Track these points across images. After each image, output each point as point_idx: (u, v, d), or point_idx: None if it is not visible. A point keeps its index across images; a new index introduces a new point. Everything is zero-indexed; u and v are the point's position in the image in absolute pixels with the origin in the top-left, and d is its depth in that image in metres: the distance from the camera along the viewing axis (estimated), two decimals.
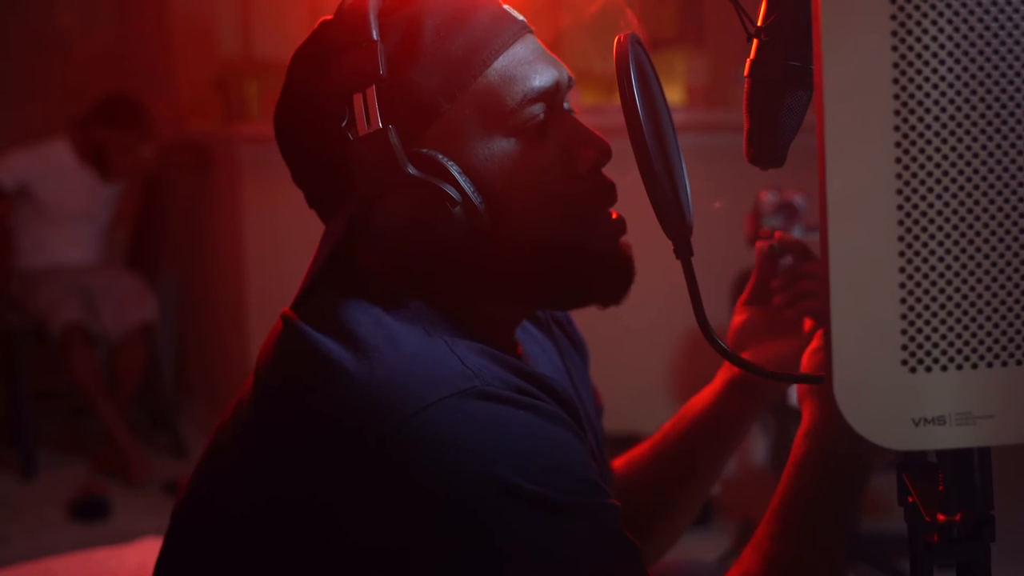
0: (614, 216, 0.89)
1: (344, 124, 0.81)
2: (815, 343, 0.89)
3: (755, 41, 0.77)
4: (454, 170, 0.81)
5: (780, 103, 0.77)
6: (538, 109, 0.84)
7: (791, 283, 1.04)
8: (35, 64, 3.85)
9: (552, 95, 0.85)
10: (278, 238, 3.00)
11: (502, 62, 0.83)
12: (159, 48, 4.06)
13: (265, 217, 3.16)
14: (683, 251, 0.79)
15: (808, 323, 1.03)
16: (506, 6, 0.87)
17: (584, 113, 0.91)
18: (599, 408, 1.12)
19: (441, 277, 0.84)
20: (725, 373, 1.10)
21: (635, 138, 0.75)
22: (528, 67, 0.84)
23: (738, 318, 1.08)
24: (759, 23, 0.77)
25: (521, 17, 0.87)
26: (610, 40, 0.79)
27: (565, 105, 0.88)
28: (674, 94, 3.49)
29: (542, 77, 0.84)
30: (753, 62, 0.77)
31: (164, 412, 3.77)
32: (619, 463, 1.17)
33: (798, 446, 0.85)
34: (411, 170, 0.80)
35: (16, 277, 3.69)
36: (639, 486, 1.14)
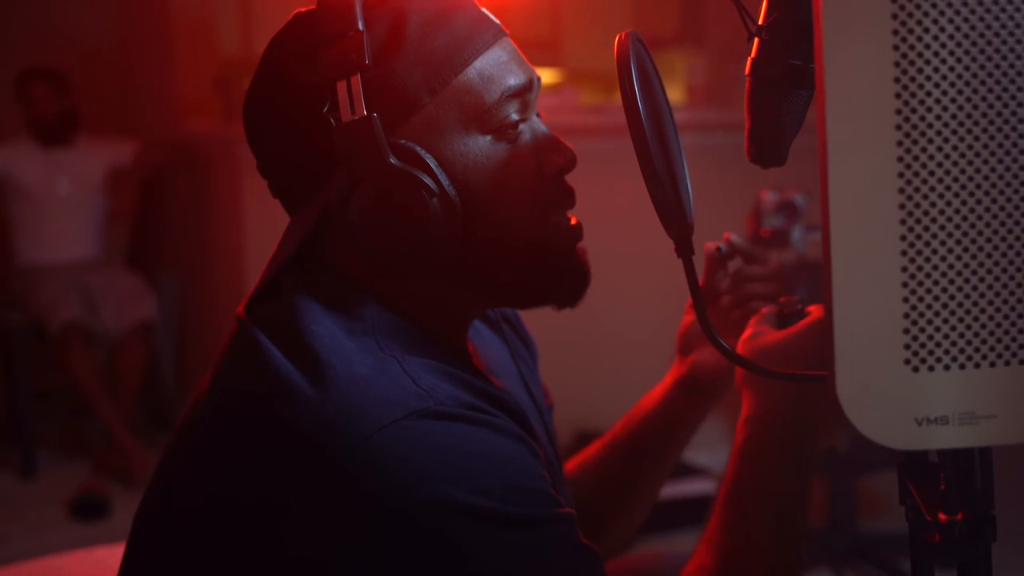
0: (573, 222, 0.91)
1: (326, 110, 0.82)
2: (748, 331, 0.90)
3: (756, 40, 0.77)
4: (431, 162, 0.83)
5: (781, 102, 0.77)
6: (513, 108, 0.87)
7: (738, 285, 1.05)
8: (35, 63, 3.84)
9: (525, 93, 0.88)
10: (278, 238, 2.99)
11: (481, 62, 0.86)
12: (159, 48, 4.05)
13: (265, 217, 3.14)
14: (684, 250, 0.79)
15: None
16: (484, 9, 0.90)
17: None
18: (550, 405, 1.13)
19: (409, 272, 0.84)
20: (674, 372, 1.12)
21: (636, 137, 0.75)
22: (504, 67, 0.87)
23: (687, 318, 1.11)
24: (760, 22, 0.77)
25: (497, 20, 0.90)
26: (611, 39, 0.79)
27: (535, 111, 0.91)
28: (674, 94, 3.48)
29: (517, 77, 0.87)
30: (754, 61, 0.77)
31: (164, 412, 3.77)
32: (572, 464, 1.18)
33: (740, 432, 0.86)
34: (392, 159, 0.81)
35: (16, 275, 3.69)
36: (591, 485, 1.15)
